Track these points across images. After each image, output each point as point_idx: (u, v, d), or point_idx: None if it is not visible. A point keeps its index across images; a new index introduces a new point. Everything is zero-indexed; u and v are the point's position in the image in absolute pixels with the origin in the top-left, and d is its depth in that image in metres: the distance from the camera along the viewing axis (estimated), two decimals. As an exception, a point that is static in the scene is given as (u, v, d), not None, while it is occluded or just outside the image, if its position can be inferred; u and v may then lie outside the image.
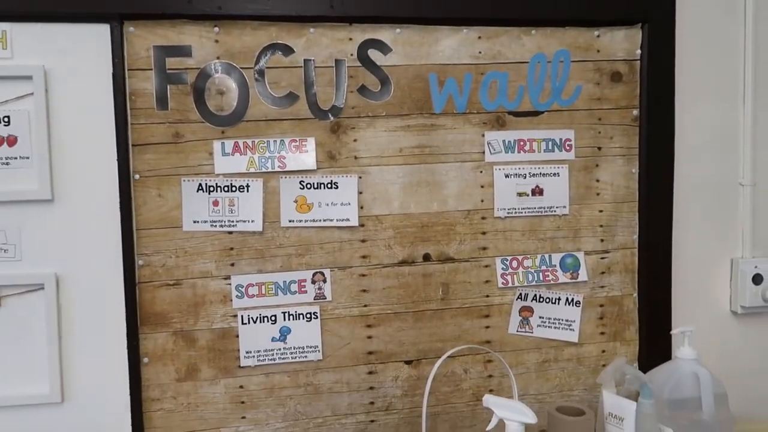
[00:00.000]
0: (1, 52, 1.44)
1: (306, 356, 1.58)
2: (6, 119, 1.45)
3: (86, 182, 1.49)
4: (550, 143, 1.67)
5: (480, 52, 1.63)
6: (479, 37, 1.63)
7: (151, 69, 1.50)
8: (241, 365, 1.56)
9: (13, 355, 1.48)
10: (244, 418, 1.57)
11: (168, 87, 1.51)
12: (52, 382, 1.48)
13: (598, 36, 1.68)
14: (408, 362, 1.63)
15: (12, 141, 1.46)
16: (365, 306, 1.61)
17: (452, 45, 1.62)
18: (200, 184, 1.52)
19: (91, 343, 1.50)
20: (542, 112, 1.67)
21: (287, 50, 1.55)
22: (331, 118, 1.58)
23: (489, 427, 1.26)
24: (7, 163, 1.46)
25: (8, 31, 1.44)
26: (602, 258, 1.70)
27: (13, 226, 1.47)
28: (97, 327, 1.50)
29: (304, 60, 1.56)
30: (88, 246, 1.49)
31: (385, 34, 1.59)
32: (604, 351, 1.71)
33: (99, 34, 1.47)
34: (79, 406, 1.50)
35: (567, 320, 1.68)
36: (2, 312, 1.47)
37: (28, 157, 1.46)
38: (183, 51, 1.51)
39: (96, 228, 1.49)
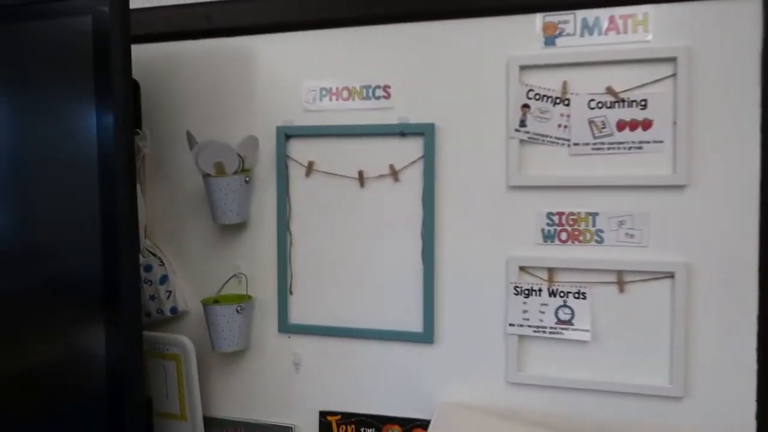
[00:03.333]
0: (641, 34, 1.43)
1: None
2: (643, 103, 1.43)
3: (722, 167, 1.40)
4: None
5: None
6: None
7: (804, 43, 1.35)
8: None
9: (634, 342, 1.46)
10: None
11: (824, 62, 1.34)
12: (675, 374, 1.43)
13: None
14: None
15: (647, 125, 1.43)
16: None
17: None
18: None
19: (718, 337, 1.41)
20: None
21: None
22: None
23: None
24: (640, 147, 1.44)
25: (650, 14, 1.42)
26: None
27: (642, 212, 1.44)
28: (724, 321, 1.41)
29: None
30: (721, 234, 1.40)
31: None
32: None
33: (746, 11, 1.37)
34: (699, 402, 1.43)
35: None
36: (624, 297, 1.46)
37: (662, 141, 1.43)
38: None
39: (730, 216, 1.40)
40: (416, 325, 1.61)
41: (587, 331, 1.48)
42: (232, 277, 1.73)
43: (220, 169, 1.59)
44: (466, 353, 1.58)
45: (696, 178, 1.41)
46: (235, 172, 1.61)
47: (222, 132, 1.70)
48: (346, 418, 1.67)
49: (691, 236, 1.42)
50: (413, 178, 1.59)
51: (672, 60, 1.41)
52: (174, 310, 1.75)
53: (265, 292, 1.71)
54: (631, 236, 1.46)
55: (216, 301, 1.68)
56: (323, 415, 1.68)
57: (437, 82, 1.56)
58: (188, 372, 1.66)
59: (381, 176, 1.61)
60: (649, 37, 1.43)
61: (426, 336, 1.59)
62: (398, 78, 1.59)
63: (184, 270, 1.77)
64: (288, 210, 1.68)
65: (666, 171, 1.43)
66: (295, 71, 1.66)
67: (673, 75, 1.41)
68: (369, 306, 1.64)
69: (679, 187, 1.42)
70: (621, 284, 1.46)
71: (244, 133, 1.67)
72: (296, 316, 1.70)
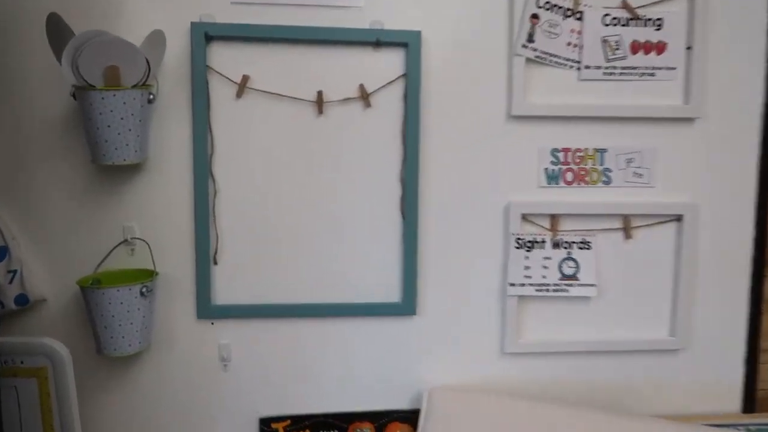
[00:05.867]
0: (659, -59, 1.23)
1: None
2: (658, 22, 1.24)
3: (731, 100, 1.28)
4: None
5: None
6: None
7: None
8: None
9: (637, 295, 1.31)
10: None
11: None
12: (678, 326, 1.31)
13: None
14: None
15: (661, 48, 1.25)
16: None
17: None
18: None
19: (716, 282, 1.32)
20: None
21: None
22: None
23: None
24: (653, 74, 1.26)
25: None
26: None
27: (650, 148, 1.28)
28: (723, 264, 1.32)
29: None
30: (726, 173, 1.30)
31: None
32: None
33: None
34: (695, 353, 1.33)
35: None
36: (630, 245, 1.30)
37: (674, 68, 1.26)
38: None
39: (731, 154, 1.30)
40: (393, 295, 1.26)
41: (593, 285, 1.29)
42: (120, 244, 1.17)
43: (114, 79, 1.03)
44: (454, 324, 1.28)
45: (706, 110, 1.28)
46: (135, 86, 1.06)
47: (100, 23, 1.11)
48: (298, 422, 1.26)
49: (699, 175, 1.30)
50: (390, 104, 1.21)
51: (690, -26, 1.24)
52: (22, 299, 1.14)
53: (175, 264, 1.20)
54: (639, 176, 1.29)
55: (97, 282, 1.12)
56: (265, 422, 1.25)
57: (424, -23, 1.19)
58: (62, 391, 1.09)
59: (347, 100, 1.20)
60: (666, -55, 1.24)
61: (406, 306, 1.25)
62: (373, -34, 1.18)
63: (37, 240, 1.15)
64: (210, 146, 1.17)
65: (677, 101, 1.28)
66: (220, -59, 1.14)
67: (693, -9, 1.25)
68: (326, 275, 1.24)
69: (689, 120, 1.28)
70: (627, 230, 1.29)
71: (137, 29, 1.11)
72: (223, 295, 1.22)
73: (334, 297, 1.24)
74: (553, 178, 1.27)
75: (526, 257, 1.27)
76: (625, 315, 1.31)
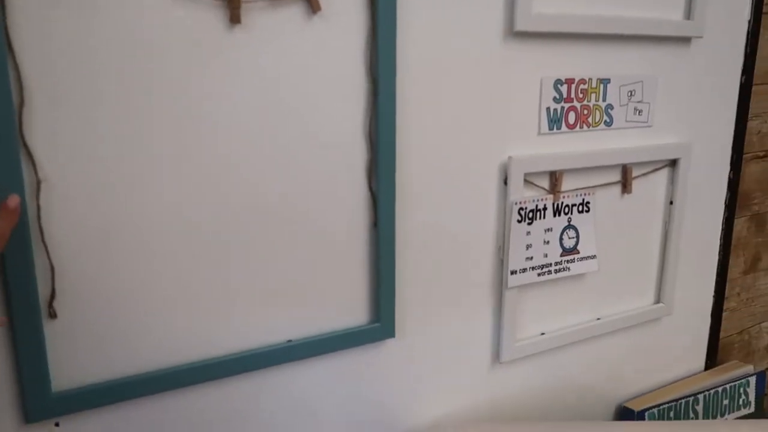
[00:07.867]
0: None
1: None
2: None
3: (724, 17, 1.06)
4: None
5: None
6: None
7: None
8: (797, 250, 1.34)
9: (630, 261, 1.07)
10: (783, 309, 1.38)
11: None
12: (665, 292, 1.11)
13: None
14: None
15: (669, -57, 0.96)
16: None
17: None
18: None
19: (691, 233, 1.14)
20: None
21: None
22: None
23: None
24: (658, -21, 0.97)
25: None
26: None
27: (650, 76, 1.00)
28: (698, 211, 1.14)
29: None
30: (713, 107, 1.09)
31: None
32: None
33: None
34: (677, 317, 1.16)
35: None
36: (626, 201, 1.03)
37: (679, -28, 0.98)
38: None
39: (721, 80, 1.09)
40: (358, 315, 0.82)
41: (594, 258, 1.01)
42: None
43: None
44: (442, 339, 0.90)
45: (706, 28, 1.04)
46: None
47: None
48: None
49: (692, 109, 1.07)
50: (348, 7, 0.72)
51: None
52: None
53: (-40, 333, 0.59)
54: (639, 113, 1.01)
55: None
56: None
57: None
58: None
59: (280, 0, 0.68)
60: None
61: (382, 329, 0.82)
62: None
63: None
64: (17, 91, 0.57)
65: (677, 16, 1.01)
66: None
67: None
68: (257, 296, 0.74)
69: (686, 42, 1.03)
70: (627, 183, 1.02)
71: None
72: (71, 373, 0.65)
73: (268, 336, 0.76)
74: (555, 121, 0.93)
75: (528, 233, 0.92)
76: (617, 286, 1.07)
